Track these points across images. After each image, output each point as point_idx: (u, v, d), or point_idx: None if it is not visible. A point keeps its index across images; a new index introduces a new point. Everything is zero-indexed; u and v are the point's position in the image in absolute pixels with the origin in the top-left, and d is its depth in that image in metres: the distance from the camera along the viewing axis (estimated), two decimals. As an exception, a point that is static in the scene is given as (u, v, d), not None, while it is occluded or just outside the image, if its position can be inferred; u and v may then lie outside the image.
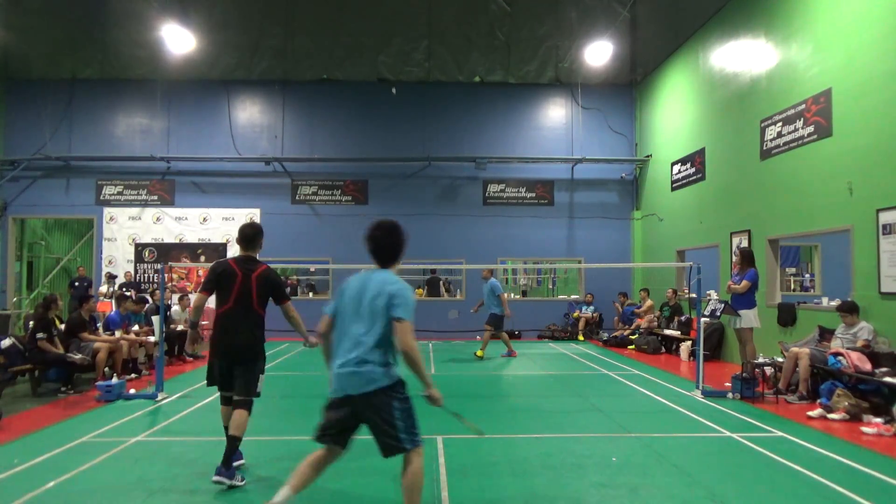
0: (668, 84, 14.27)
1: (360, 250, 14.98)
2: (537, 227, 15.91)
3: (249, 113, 15.97)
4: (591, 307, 15.15)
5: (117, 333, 9.16)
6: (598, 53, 14.22)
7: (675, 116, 13.92)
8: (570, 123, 16.11)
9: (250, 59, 15.53)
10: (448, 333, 14.86)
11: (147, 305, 10.60)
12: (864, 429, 5.94)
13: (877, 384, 6.42)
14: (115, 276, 14.46)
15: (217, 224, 15.58)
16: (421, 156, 15.57)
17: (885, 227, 7.48)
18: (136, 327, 9.89)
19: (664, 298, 13.24)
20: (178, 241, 15.57)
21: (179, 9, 14.48)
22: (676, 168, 13.67)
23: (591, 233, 15.99)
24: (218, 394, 4.66)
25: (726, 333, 11.10)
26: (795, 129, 9.31)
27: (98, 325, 9.31)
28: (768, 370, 7.86)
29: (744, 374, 7.63)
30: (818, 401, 6.78)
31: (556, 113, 16.24)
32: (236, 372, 4.46)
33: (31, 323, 8.31)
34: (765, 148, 10.14)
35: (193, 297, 4.89)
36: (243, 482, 4.32)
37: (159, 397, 7.34)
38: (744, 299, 8.12)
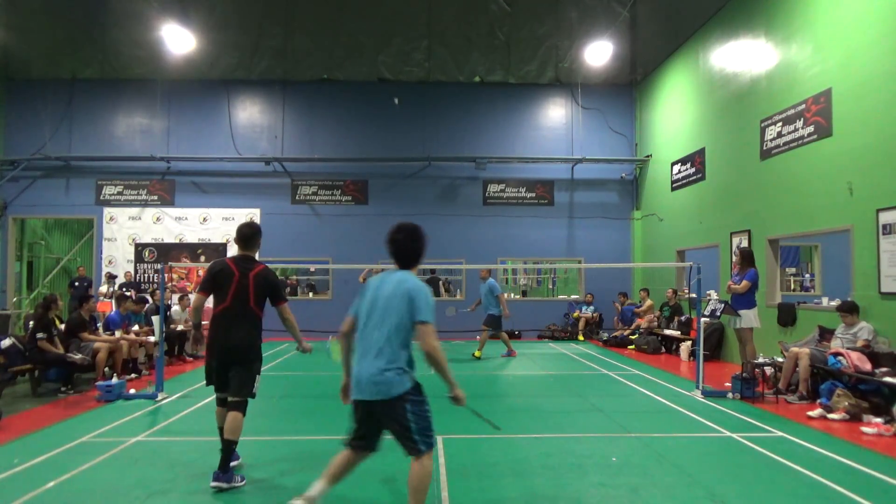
0: (668, 84, 14.27)
1: (360, 250, 15.06)
2: (537, 227, 15.91)
3: (249, 113, 15.97)
4: (591, 307, 15.16)
5: (117, 333, 9.17)
6: (598, 53, 14.22)
7: (675, 116, 13.92)
8: (570, 123, 16.11)
9: (250, 59, 15.53)
10: (448, 333, 14.86)
11: (147, 305, 10.60)
12: (864, 429, 5.94)
13: (877, 384, 6.42)
14: (115, 276, 14.46)
15: (217, 224, 15.58)
16: (421, 156, 15.57)
17: (885, 227, 7.48)
18: (136, 327, 9.89)
19: (664, 298, 13.24)
20: (178, 241, 15.57)
21: (179, 9, 14.48)
22: (676, 168, 13.67)
23: (591, 233, 15.99)
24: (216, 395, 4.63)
25: (726, 333, 11.10)
26: (795, 129, 9.31)
27: (98, 325, 9.32)
28: (768, 370, 7.86)
29: (744, 374, 7.62)
30: (818, 401, 6.78)
31: (556, 113, 16.25)
32: (232, 372, 4.40)
33: (31, 323, 8.31)
34: (765, 148, 10.15)
35: (192, 298, 4.85)
36: (243, 482, 4.32)
37: (159, 397, 7.34)
38: (744, 299, 8.13)
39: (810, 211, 8.97)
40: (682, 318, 12.26)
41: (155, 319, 7.66)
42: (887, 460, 4.99)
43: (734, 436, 5.73)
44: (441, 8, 15.35)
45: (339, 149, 15.76)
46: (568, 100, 16.19)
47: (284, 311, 4.66)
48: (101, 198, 15.60)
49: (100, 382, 7.48)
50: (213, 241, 15.54)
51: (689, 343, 11.23)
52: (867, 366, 6.54)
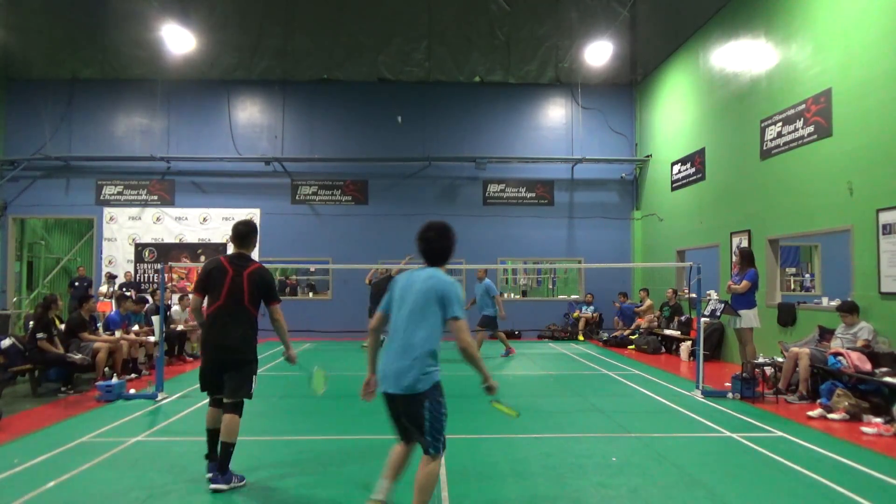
0: (668, 84, 14.27)
1: (360, 250, 15.06)
2: (537, 227, 15.91)
3: (249, 113, 15.97)
4: (591, 307, 15.16)
5: (117, 333, 9.17)
6: (598, 53, 14.22)
7: (675, 116, 13.92)
8: (570, 123, 16.11)
9: (250, 59, 15.53)
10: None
11: (147, 305, 10.60)
12: (864, 429, 5.94)
13: (877, 384, 6.42)
14: (115, 276, 14.46)
15: (217, 224, 15.58)
16: (421, 156, 15.57)
17: (885, 227, 7.48)
18: (136, 327, 9.89)
19: (664, 298, 13.24)
20: (178, 241, 15.57)
21: (179, 9, 14.47)
22: (676, 168, 13.67)
23: (591, 233, 15.99)
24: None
25: (726, 333, 11.10)
26: (795, 129, 9.31)
27: (98, 325, 9.31)
28: (768, 370, 7.86)
29: (744, 374, 7.62)
30: (818, 401, 6.78)
31: (556, 113, 16.25)
32: (227, 373, 4.31)
33: (31, 323, 8.31)
34: (765, 148, 10.14)
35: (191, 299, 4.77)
36: (243, 482, 4.32)
37: (159, 397, 7.34)
38: (744, 299, 8.12)
39: (810, 211, 8.97)
40: (682, 318, 12.26)
41: (155, 319, 7.66)
42: (887, 460, 4.99)
43: (734, 436, 5.73)
44: (441, 8, 15.34)
45: (339, 149, 15.76)
46: (568, 100, 16.19)
47: (276, 312, 4.53)
48: (101, 198, 15.60)
49: (100, 382, 7.48)
50: (213, 241, 15.54)
51: (689, 343, 11.23)
52: (867, 366, 6.54)
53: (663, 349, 12.42)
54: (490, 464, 4.86)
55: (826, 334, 7.93)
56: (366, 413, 6.76)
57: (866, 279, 7.78)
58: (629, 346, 13.04)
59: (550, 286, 19.63)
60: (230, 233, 4.69)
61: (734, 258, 9.73)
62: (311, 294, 16.49)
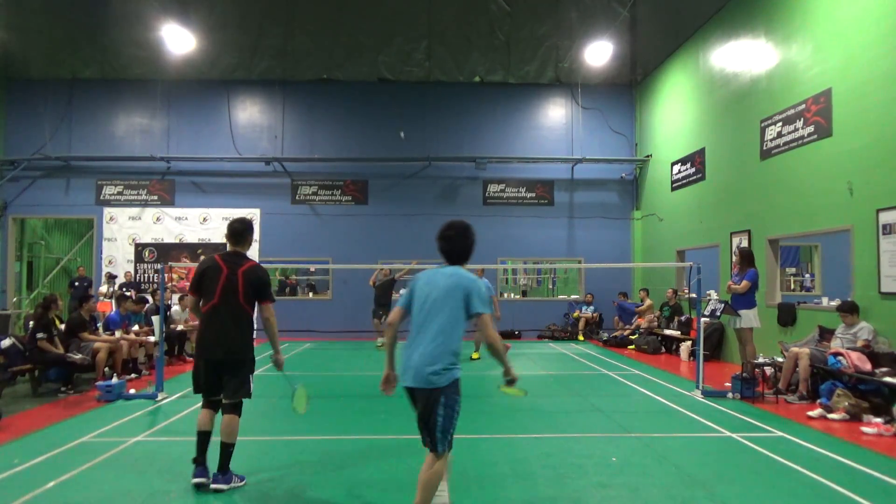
0: (668, 84, 14.27)
1: (360, 250, 15.05)
2: (537, 227, 15.91)
3: (249, 113, 15.97)
4: (591, 307, 15.16)
5: (117, 333, 9.17)
6: (598, 53, 14.22)
7: (675, 116, 13.92)
8: (570, 123, 16.11)
9: (250, 59, 15.53)
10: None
11: (147, 305, 10.60)
12: (864, 429, 5.94)
13: (877, 384, 6.42)
14: (115, 276, 14.46)
15: (217, 224, 15.57)
16: (421, 156, 15.57)
17: (885, 227, 7.48)
18: (136, 327, 9.89)
19: (664, 298, 13.24)
20: (178, 241, 15.57)
21: (179, 9, 14.47)
22: (676, 168, 13.67)
23: (591, 233, 15.99)
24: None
25: (726, 333, 11.10)
26: (795, 129, 9.31)
27: (98, 325, 9.31)
28: (768, 370, 7.86)
29: (744, 374, 7.62)
30: (818, 401, 6.78)
31: (555, 113, 16.25)
32: (225, 374, 4.26)
33: (31, 323, 8.31)
34: (765, 148, 10.14)
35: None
36: (243, 482, 4.32)
37: (159, 397, 7.34)
38: (744, 299, 8.13)
39: (810, 211, 8.97)
40: (682, 318, 12.26)
41: (155, 319, 7.66)
42: (887, 460, 4.99)
43: (734, 436, 5.73)
44: (441, 8, 15.34)
45: (339, 149, 15.76)
46: (568, 100, 16.19)
47: (267, 311, 4.43)
48: (101, 198, 15.60)
49: (100, 382, 7.47)
50: (213, 241, 15.53)
51: (689, 343, 11.23)
52: (867, 366, 6.54)
53: (663, 349, 12.43)
54: (490, 464, 4.86)
55: (826, 334, 7.93)
56: (365, 413, 6.77)
57: (866, 279, 7.78)
58: (629, 346, 13.05)
59: (550, 286, 19.62)
60: (225, 230, 4.61)
61: (734, 258, 9.73)
62: (311, 294, 16.49)
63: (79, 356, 7.98)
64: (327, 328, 14.96)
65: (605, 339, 13.89)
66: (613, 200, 16.22)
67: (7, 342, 7.90)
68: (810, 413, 6.53)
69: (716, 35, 11.88)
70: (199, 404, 4.41)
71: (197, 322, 4.70)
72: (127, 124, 15.75)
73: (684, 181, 13.28)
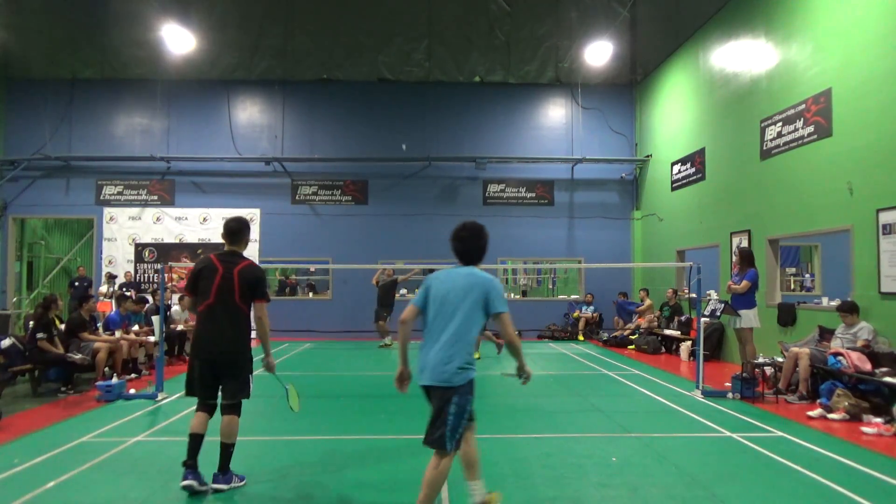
0: (668, 84, 14.27)
1: (360, 250, 15.02)
2: (537, 227, 15.91)
3: (249, 113, 15.98)
4: (591, 307, 15.16)
5: (117, 333, 9.17)
6: (598, 53, 14.23)
7: (675, 116, 13.92)
8: (570, 123, 16.11)
9: (250, 59, 15.53)
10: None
11: (147, 305, 10.60)
12: (864, 429, 5.94)
13: (877, 384, 6.42)
14: (115, 276, 14.46)
15: (217, 224, 15.56)
16: (421, 156, 15.57)
17: (885, 227, 7.48)
18: (136, 327, 9.89)
19: (664, 298, 13.25)
20: (178, 241, 15.57)
21: (179, 9, 14.48)
22: (676, 168, 13.67)
23: (591, 233, 15.99)
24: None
25: (726, 333, 11.10)
26: (795, 129, 9.31)
27: (98, 325, 9.31)
28: (768, 370, 7.86)
29: (744, 374, 7.62)
30: (818, 401, 6.78)
31: (556, 113, 16.25)
32: (223, 377, 4.22)
33: (31, 323, 8.31)
34: (765, 148, 10.14)
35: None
36: (243, 482, 4.32)
37: (159, 397, 7.34)
38: (744, 299, 8.13)
39: (810, 211, 8.97)
40: (682, 318, 12.26)
41: (155, 319, 7.66)
42: (887, 460, 4.99)
43: (734, 436, 5.73)
44: (441, 8, 15.35)
45: (339, 149, 15.76)
46: (568, 100, 16.19)
47: (261, 310, 4.29)
48: (101, 198, 15.60)
49: (100, 382, 7.47)
50: (213, 241, 15.52)
51: (689, 343, 11.23)
52: (867, 366, 6.54)
53: (663, 349, 12.42)
54: (490, 463, 4.86)
55: (826, 334, 7.93)
56: (366, 413, 6.77)
57: (866, 279, 7.78)
58: (629, 346, 13.04)
59: (550, 286, 19.62)
60: (222, 230, 4.53)
61: (734, 258, 9.73)
62: (311, 294, 16.49)
63: (79, 356, 7.98)
64: (327, 328, 14.96)
65: (605, 339, 13.89)
66: (613, 200, 16.22)
67: (7, 342, 7.90)
68: (810, 413, 6.53)
69: (716, 35, 11.88)
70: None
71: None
72: (127, 124, 15.75)
73: (684, 181, 13.28)
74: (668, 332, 12.38)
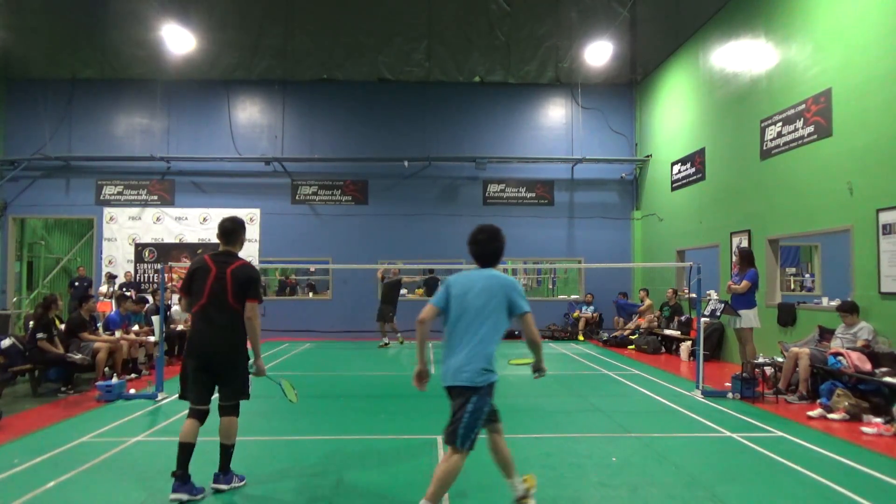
0: (668, 84, 14.27)
1: (360, 250, 15.02)
2: (537, 227, 15.91)
3: (249, 113, 15.98)
4: (591, 307, 15.17)
5: (117, 333, 9.17)
6: (598, 53, 14.22)
7: (675, 116, 13.92)
8: (570, 123, 16.12)
9: (250, 59, 15.53)
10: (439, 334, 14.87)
11: (147, 305, 10.61)
12: (864, 429, 5.94)
13: (877, 384, 6.42)
14: (115, 276, 14.47)
15: (217, 224, 15.56)
16: (421, 156, 15.57)
17: (885, 227, 7.49)
18: (136, 327, 9.89)
19: (664, 298, 13.25)
20: (178, 241, 15.57)
21: (179, 9, 14.46)
22: (676, 168, 13.67)
23: (591, 233, 15.99)
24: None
25: (726, 333, 11.10)
26: (795, 129, 9.31)
27: (98, 325, 9.32)
28: (768, 370, 7.87)
29: (744, 374, 7.62)
30: (818, 401, 6.78)
31: (556, 113, 16.25)
32: (219, 376, 4.16)
33: (31, 323, 8.31)
34: (765, 148, 10.14)
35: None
36: (243, 482, 4.32)
37: (159, 397, 7.34)
38: (744, 299, 8.13)
39: (810, 211, 8.97)
40: (682, 318, 12.26)
41: (155, 319, 7.65)
42: (887, 460, 4.99)
43: (734, 436, 5.73)
44: (441, 8, 15.33)
45: (339, 149, 15.76)
46: (568, 100, 16.19)
47: (251, 310, 4.16)
48: (101, 198, 15.60)
49: (100, 382, 7.47)
50: (213, 241, 15.52)
51: (689, 343, 11.23)
52: (867, 366, 6.54)
53: (663, 349, 12.42)
54: (490, 463, 4.83)
55: (826, 334, 7.93)
56: (366, 413, 6.77)
57: (866, 279, 7.78)
58: (629, 346, 13.05)
59: (550, 286, 19.64)
60: (217, 230, 4.45)
61: (734, 258, 9.73)
62: (311, 294, 16.48)
63: (79, 356, 7.98)
64: (327, 328, 14.95)
65: (605, 339, 13.90)
66: (613, 200, 16.22)
67: (7, 342, 7.90)
68: (810, 413, 6.53)
69: (716, 35, 11.88)
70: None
71: None
72: (127, 124, 15.75)
73: (684, 181, 13.28)
74: (668, 332, 12.39)
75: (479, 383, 3.37)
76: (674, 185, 13.83)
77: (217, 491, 4.16)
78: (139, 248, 15.48)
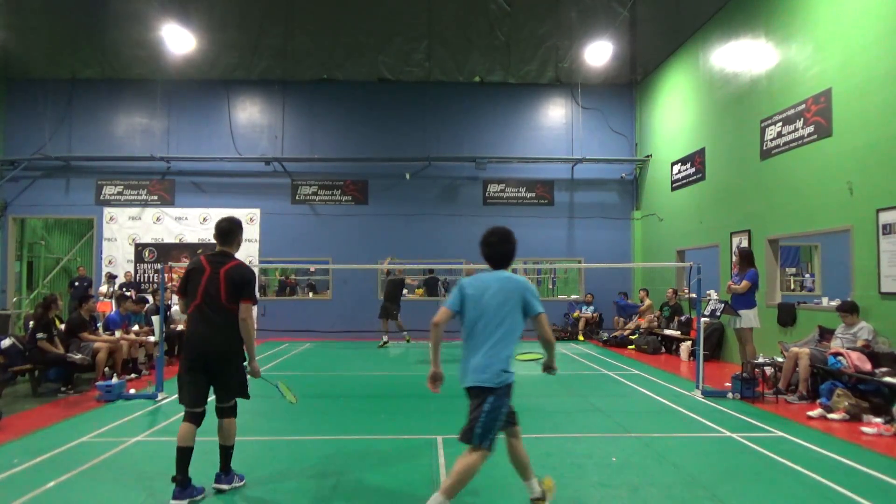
0: (668, 84, 14.27)
1: (360, 250, 15.02)
2: (537, 227, 15.91)
3: (249, 113, 15.98)
4: (591, 307, 15.17)
5: (117, 333, 9.17)
6: (598, 53, 14.21)
7: (675, 116, 13.92)
8: (570, 123, 16.12)
9: (250, 59, 15.52)
10: (446, 333, 14.86)
11: (147, 305, 10.61)
12: (864, 429, 5.94)
13: (877, 384, 6.42)
14: (115, 276, 14.47)
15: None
16: (421, 156, 15.57)
17: (885, 227, 7.49)
18: (136, 327, 9.89)
19: (664, 298, 13.25)
20: (178, 241, 15.57)
21: (179, 9, 14.45)
22: (676, 168, 13.67)
23: (591, 233, 15.99)
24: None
25: (726, 333, 11.10)
26: (795, 129, 9.31)
27: (98, 325, 9.32)
28: (768, 370, 7.87)
29: (744, 374, 7.63)
30: (818, 401, 6.78)
31: (556, 113, 16.25)
32: (215, 376, 4.12)
33: (31, 323, 8.31)
34: (765, 148, 10.14)
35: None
36: (243, 482, 4.32)
37: (159, 397, 7.34)
38: (744, 299, 8.13)
39: (810, 211, 8.97)
40: (682, 318, 12.26)
41: (155, 319, 7.65)
42: (887, 460, 4.99)
43: (734, 436, 5.73)
44: (441, 8, 15.31)
45: (339, 149, 15.76)
46: (568, 100, 16.19)
47: (245, 311, 4.11)
48: (101, 198, 15.61)
49: (100, 382, 7.47)
50: (213, 241, 15.47)
51: (689, 343, 11.23)
52: (867, 366, 6.54)
53: (663, 349, 12.42)
54: (489, 463, 4.82)
55: (826, 334, 7.93)
56: (366, 413, 6.77)
57: (866, 279, 7.78)
58: (629, 346, 13.05)
59: (550, 286, 19.64)
60: (213, 230, 4.43)
61: (734, 258, 9.73)
62: (311, 294, 16.49)
63: (79, 356, 7.98)
64: (327, 328, 14.95)
65: (605, 339, 13.90)
66: (613, 200, 16.22)
67: (7, 342, 7.90)
68: (810, 413, 6.53)
69: (716, 35, 11.88)
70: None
71: None
72: (127, 124, 15.75)
73: (684, 181, 13.28)
74: (668, 332, 12.39)
75: (496, 384, 3.41)
76: (674, 185, 13.84)
77: (218, 491, 4.16)
78: (139, 248, 15.48)
